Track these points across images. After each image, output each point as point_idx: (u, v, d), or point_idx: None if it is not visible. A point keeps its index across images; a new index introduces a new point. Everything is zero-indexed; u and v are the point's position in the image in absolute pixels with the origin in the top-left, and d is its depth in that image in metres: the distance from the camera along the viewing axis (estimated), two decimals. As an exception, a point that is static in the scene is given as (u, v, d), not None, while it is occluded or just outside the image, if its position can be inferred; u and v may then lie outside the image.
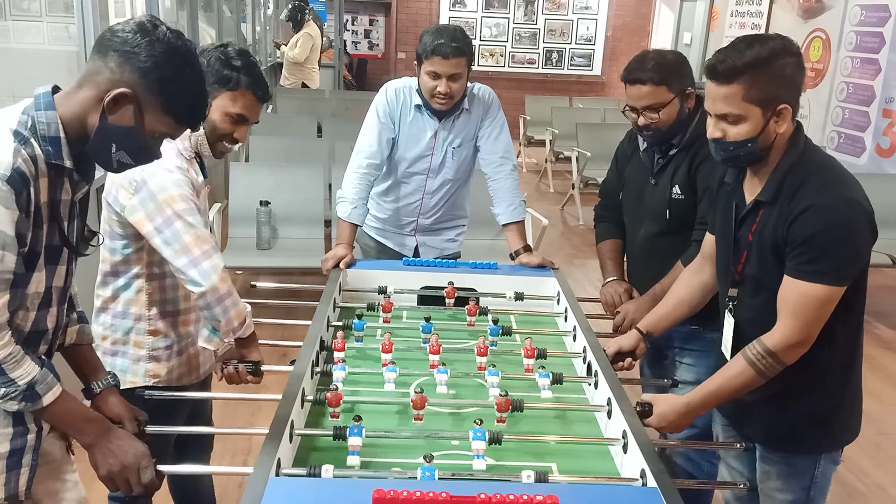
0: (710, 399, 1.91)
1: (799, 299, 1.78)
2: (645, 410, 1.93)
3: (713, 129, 1.84)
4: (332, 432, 1.72)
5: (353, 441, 1.70)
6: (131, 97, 1.45)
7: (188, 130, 1.70)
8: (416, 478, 1.54)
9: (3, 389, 1.48)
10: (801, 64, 1.80)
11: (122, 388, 1.85)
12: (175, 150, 2.02)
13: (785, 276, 1.81)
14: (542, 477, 1.58)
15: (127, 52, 1.44)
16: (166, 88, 1.47)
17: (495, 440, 1.73)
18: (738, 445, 1.96)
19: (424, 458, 1.59)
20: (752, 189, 1.93)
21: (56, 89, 1.51)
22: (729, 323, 2.00)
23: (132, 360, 2.11)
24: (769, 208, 1.86)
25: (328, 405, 1.85)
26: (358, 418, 1.73)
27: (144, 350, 2.13)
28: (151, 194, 1.93)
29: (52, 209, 1.50)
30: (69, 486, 1.77)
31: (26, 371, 1.49)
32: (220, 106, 2.04)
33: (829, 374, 1.91)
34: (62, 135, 1.46)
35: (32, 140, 1.44)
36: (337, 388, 1.88)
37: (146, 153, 1.55)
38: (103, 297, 2.11)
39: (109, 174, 1.89)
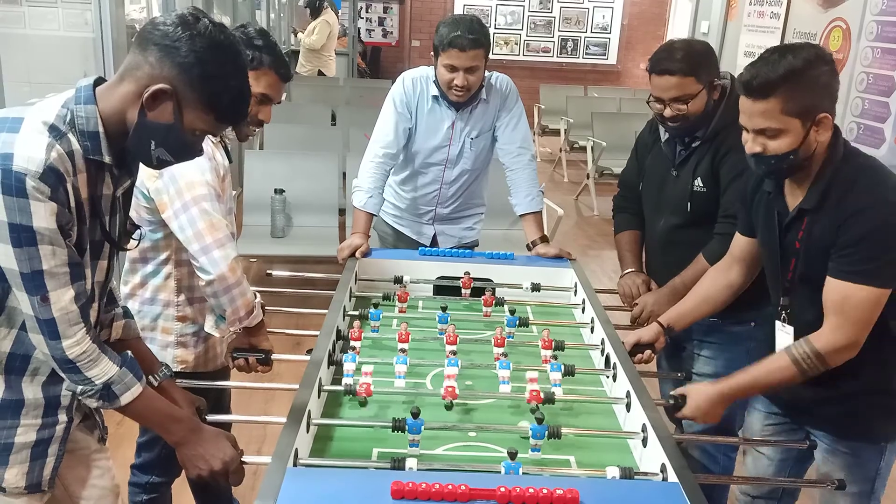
0: (745, 389, 1.89)
1: (846, 301, 1.76)
2: (678, 403, 1.92)
3: (752, 145, 1.80)
4: (345, 422, 1.71)
5: (414, 437, 1.69)
6: (170, 93, 1.41)
7: None
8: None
9: (81, 387, 1.49)
10: (835, 71, 1.76)
11: None
12: None
13: (829, 278, 1.78)
14: (626, 473, 1.58)
15: (167, 47, 1.40)
16: (208, 84, 1.42)
17: (554, 434, 1.71)
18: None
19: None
20: (793, 196, 1.89)
21: (99, 82, 1.48)
22: (786, 332, 1.96)
23: (160, 347, 2.11)
24: (814, 215, 1.83)
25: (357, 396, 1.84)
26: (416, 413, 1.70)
27: (172, 336, 2.14)
28: (173, 178, 1.92)
29: (93, 204, 1.48)
30: (99, 474, 1.78)
31: (103, 371, 1.49)
32: None
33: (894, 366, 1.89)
34: (101, 130, 1.43)
35: (70, 135, 1.40)
36: (369, 375, 1.87)
37: (186, 150, 1.51)
38: (132, 283, 2.12)
39: None
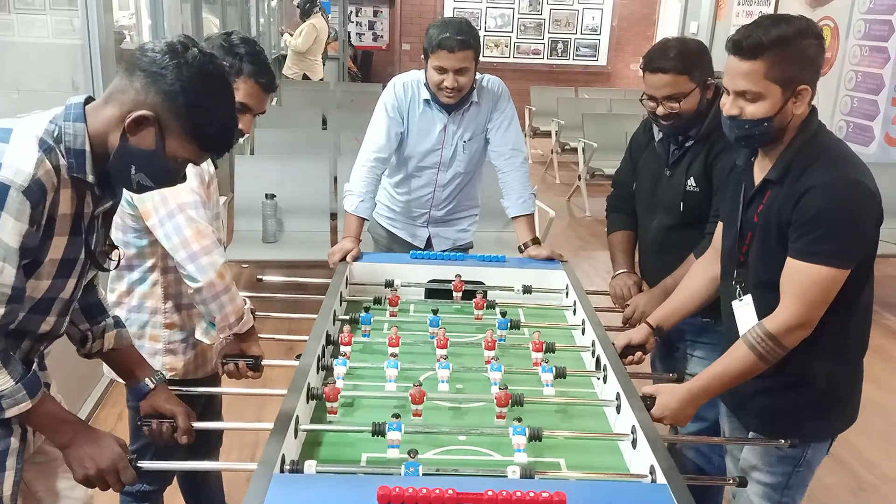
0: (713, 385, 1.88)
1: (801, 281, 1.75)
2: (647, 404, 1.90)
3: (730, 107, 1.81)
4: (333, 427, 1.70)
5: (393, 435, 1.67)
6: (153, 120, 1.41)
7: None
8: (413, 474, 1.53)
9: None
10: (822, 46, 1.79)
11: None
12: None
13: (788, 257, 1.78)
14: (526, 473, 1.55)
15: (154, 74, 1.40)
16: (192, 114, 1.42)
17: (535, 436, 1.70)
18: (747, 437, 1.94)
19: (409, 453, 1.57)
20: (761, 170, 1.90)
21: (89, 100, 1.47)
22: (744, 303, 1.95)
23: (148, 354, 2.10)
24: (776, 188, 1.84)
25: (326, 400, 1.83)
26: (397, 416, 1.70)
27: (161, 343, 2.13)
28: None
29: (73, 222, 1.47)
30: (71, 485, 1.75)
31: None
32: None
33: (832, 363, 1.89)
34: (88, 149, 1.43)
35: (57, 151, 1.41)
36: (335, 383, 1.87)
37: (167, 177, 1.51)
38: (118, 291, 2.11)
39: None
